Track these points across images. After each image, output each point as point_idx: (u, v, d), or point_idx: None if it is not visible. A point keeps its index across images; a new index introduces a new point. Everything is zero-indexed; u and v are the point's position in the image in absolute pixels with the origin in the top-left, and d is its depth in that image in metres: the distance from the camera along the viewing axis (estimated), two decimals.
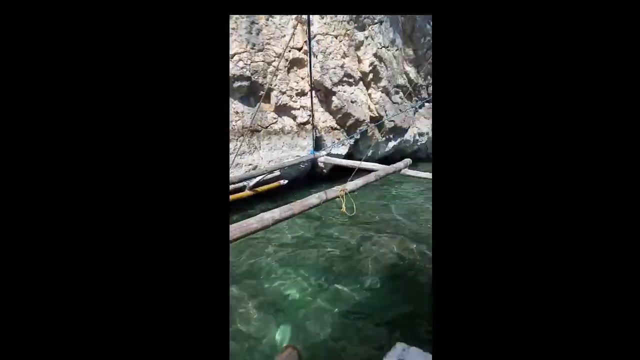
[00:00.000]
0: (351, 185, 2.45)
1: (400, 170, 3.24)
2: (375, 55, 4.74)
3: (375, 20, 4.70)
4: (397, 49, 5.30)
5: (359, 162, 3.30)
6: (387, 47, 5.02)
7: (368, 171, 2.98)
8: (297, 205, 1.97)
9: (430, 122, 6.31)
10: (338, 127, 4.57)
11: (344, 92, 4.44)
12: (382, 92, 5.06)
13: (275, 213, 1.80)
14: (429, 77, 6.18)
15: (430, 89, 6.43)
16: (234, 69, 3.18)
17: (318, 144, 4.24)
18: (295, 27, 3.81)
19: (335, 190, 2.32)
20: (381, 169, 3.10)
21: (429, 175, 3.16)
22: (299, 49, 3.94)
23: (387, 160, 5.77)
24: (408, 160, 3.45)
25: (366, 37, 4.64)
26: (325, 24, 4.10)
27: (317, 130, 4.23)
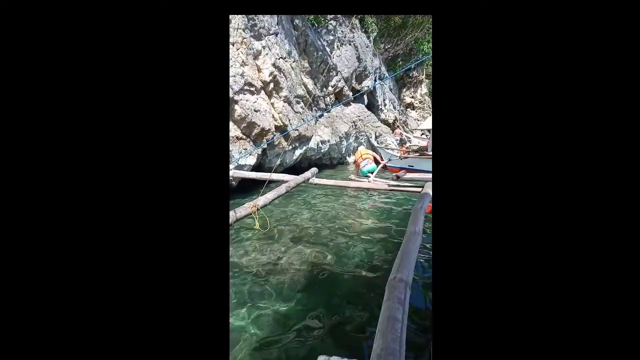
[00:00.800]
0: (262, 200, 2.40)
1: (309, 179, 3.32)
2: (274, 65, 4.79)
3: (271, 32, 4.78)
4: (294, 61, 5.52)
5: (269, 174, 3.27)
6: (285, 58, 5.16)
7: (279, 182, 2.94)
8: None
9: (330, 130, 6.78)
10: (244, 136, 4.39)
11: (247, 100, 4.30)
12: (284, 102, 5.14)
13: None
14: (324, 89, 6.66)
15: (327, 99, 6.94)
16: None
17: None
18: None
19: (246, 208, 2.19)
20: (291, 179, 3.12)
21: (335, 182, 3.32)
22: None
23: (295, 168, 5.88)
24: (315, 170, 3.60)
25: (263, 47, 4.65)
26: None
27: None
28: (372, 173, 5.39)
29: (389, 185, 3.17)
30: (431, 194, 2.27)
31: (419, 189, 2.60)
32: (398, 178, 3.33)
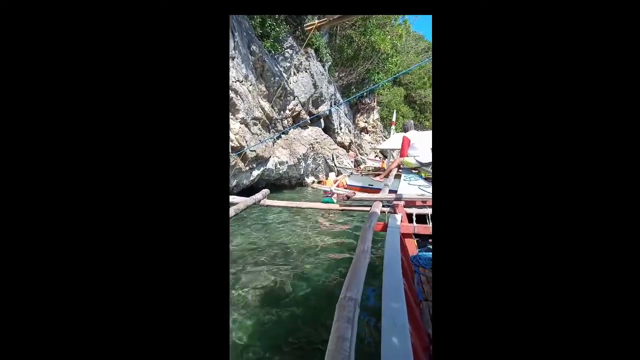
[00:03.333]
0: None
1: (260, 201, 3.33)
2: (230, 88, 4.85)
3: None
4: (251, 84, 5.64)
5: None
6: (242, 81, 5.27)
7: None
8: None
9: (288, 151, 6.91)
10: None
11: None
12: (240, 123, 5.18)
13: None
14: (282, 112, 6.84)
15: (285, 122, 7.12)
16: None
17: None
18: None
19: None
20: (240, 201, 3.02)
21: (287, 203, 3.27)
22: None
23: (252, 188, 5.82)
24: (266, 191, 3.54)
25: None
26: None
27: None
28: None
29: (341, 206, 3.25)
30: (379, 212, 2.32)
31: (368, 209, 2.67)
32: (348, 198, 3.46)
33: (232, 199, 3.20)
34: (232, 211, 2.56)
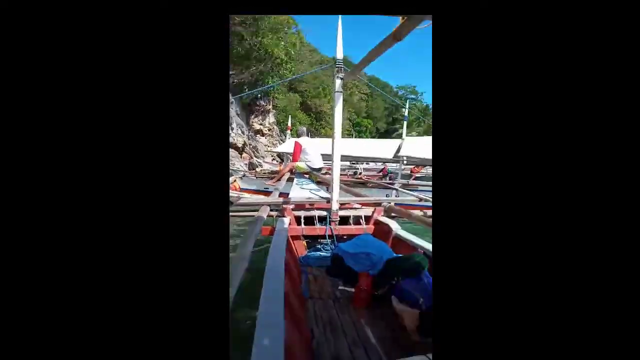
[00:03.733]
0: None
1: None
2: None
3: None
4: None
5: None
6: None
7: None
8: None
9: None
10: None
11: None
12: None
13: None
14: None
15: None
16: None
17: None
18: None
19: None
20: None
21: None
22: None
23: None
24: None
25: None
26: None
27: None
28: None
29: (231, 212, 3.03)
30: (265, 217, 2.29)
31: (255, 213, 2.63)
32: (232, 204, 3.29)
33: None
34: None
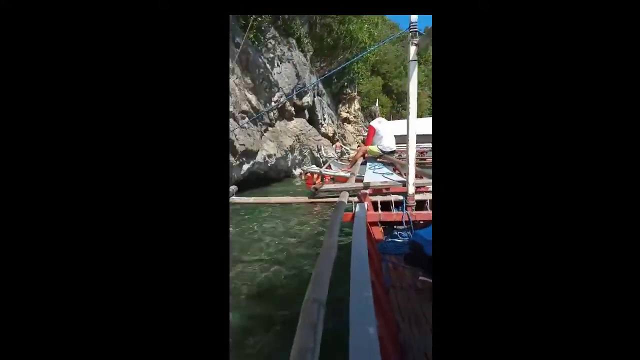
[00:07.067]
0: None
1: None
2: None
3: None
4: (237, 77, 5.54)
5: None
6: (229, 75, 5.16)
7: None
8: None
9: (275, 144, 6.89)
10: None
11: None
12: (229, 118, 5.10)
13: None
14: (267, 104, 6.78)
15: (271, 114, 7.06)
16: None
17: None
18: None
19: None
20: None
21: (256, 200, 3.12)
22: None
23: (245, 183, 5.78)
24: (234, 188, 3.29)
25: None
26: None
27: None
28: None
29: (310, 198, 2.99)
30: (345, 203, 2.20)
31: (336, 199, 2.52)
32: (316, 190, 3.34)
33: None
34: None
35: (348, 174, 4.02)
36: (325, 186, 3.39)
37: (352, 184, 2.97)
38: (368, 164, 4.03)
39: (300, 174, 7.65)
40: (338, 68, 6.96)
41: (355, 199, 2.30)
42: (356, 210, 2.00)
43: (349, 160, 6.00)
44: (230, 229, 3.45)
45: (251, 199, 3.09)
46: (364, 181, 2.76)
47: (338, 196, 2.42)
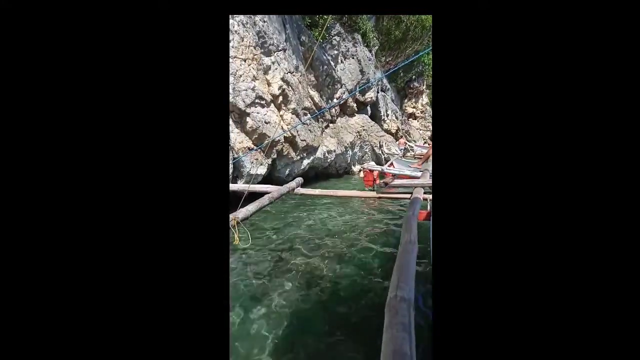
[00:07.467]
0: (243, 212, 2.09)
1: (294, 189, 3.08)
2: (282, 79, 5.01)
3: (280, 48, 5.02)
4: (301, 75, 5.75)
5: (247, 185, 3.06)
6: (292, 72, 5.39)
7: (260, 194, 2.71)
8: None
9: (335, 140, 6.95)
10: (256, 148, 4.55)
11: (258, 113, 4.49)
12: (292, 114, 5.34)
13: None
14: (329, 101, 6.87)
15: (333, 110, 7.15)
16: None
17: (236, 166, 4.10)
18: None
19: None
20: (274, 190, 2.87)
21: (321, 192, 3.12)
22: None
23: (304, 178, 5.99)
24: (300, 179, 3.37)
25: (273, 63, 4.88)
26: (232, 47, 4.13)
27: (234, 151, 4.09)
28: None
29: (378, 193, 2.94)
30: (421, 198, 2.11)
31: (409, 195, 2.46)
32: (386, 185, 3.15)
33: (264, 187, 3.10)
34: (266, 199, 2.48)
35: (415, 173, 3.80)
36: (397, 181, 3.27)
37: (427, 179, 2.81)
38: None
39: (360, 170, 7.59)
40: (406, 62, 6.65)
41: (431, 196, 2.21)
42: (433, 209, 1.94)
43: (415, 157, 5.64)
44: (291, 220, 3.61)
45: (316, 191, 3.18)
46: None
47: (410, 193, 2.35)
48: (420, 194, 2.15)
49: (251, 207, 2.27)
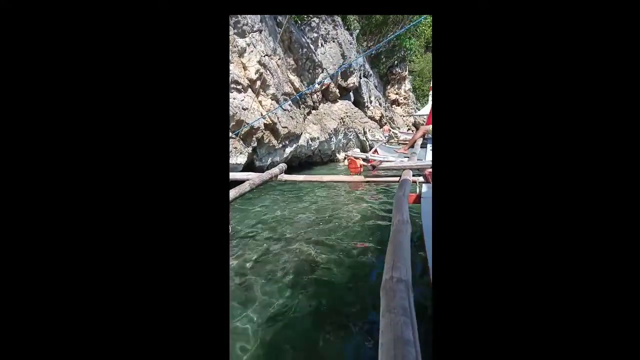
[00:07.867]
0: None
1: (277, 176, 3.03)
2: (259, 62, 4.73)
3: (255, 29, 4.72)
4: (280, 58, 5.47)
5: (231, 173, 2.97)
6: (270, 55, 5.11)
7: (241, 181, 2.64)
8: None
9: (319, 127, 6.75)
10: (232, 135, 4.29)
11: (234, 99, 4.22)
12: (271, 100, 5.08)
13: None
14: (310, 86, 6.63)
15: (314, 96, 6.91)
16: None
17: None
18: None
19: None
20: (255, 176, 2.79)
21: (305, 177, 3.11)
22: None
23: (288, 166, 5.79)
24: (283, 166, 3.29)
25: (248, 45, 4.59)
26: None
27: None
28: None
29: (365, 177, 2.92)
30: (411, 180, 2.09)
31: (397, 178, 2.45)
32: (374, 168, 3.12)
33: (245, 175, 2.95)
34: (247, 186, 2.33)
35: (400, 159, 3.75)
36: (386, 164, 3.21)
37: (415, 162, 2.82)
38: (429, 145, 3.89)
39: (345, 158, 7.45)
40: (385, 41, 6.49)
41: (420, 179, 2.13)
42: (423, 191, 1.87)
43: (399, 143, 5.70)
44: (277, 210, 3.52)
45: (301, 177, 3.07)
46: (425, 162, 2.62)
47: (398, 176, 2.32)
48: (409, 175, 2.11)
49: (231, 194, 2.08)
